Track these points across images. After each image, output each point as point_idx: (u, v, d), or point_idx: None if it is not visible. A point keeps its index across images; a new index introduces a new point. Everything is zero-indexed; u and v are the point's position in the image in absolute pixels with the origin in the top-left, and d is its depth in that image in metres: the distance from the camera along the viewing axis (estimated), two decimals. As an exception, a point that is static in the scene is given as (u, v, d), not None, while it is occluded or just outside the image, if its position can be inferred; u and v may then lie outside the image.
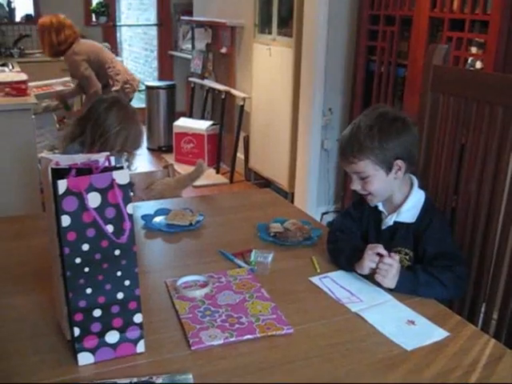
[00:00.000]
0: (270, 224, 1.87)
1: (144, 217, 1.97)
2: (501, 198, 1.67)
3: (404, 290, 1.51)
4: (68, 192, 1.07)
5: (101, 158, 1.17)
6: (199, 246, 1.83)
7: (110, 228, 1.11)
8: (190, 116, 6.08)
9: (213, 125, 5.52)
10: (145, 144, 6.35)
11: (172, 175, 2.53)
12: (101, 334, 1.16)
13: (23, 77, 3.69)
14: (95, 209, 1.09)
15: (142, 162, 5.83)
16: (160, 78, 7.33)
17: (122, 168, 1.12)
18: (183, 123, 5.66)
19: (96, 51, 4.37)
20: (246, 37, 4.96)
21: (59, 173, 1.11)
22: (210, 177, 5.24)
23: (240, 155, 5.25)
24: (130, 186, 1.13)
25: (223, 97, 5.29)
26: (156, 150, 6.22)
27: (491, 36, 2.75)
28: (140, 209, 2.05)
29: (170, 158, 5.72)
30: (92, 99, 4.09)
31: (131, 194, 2.25)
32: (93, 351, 1.17)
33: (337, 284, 1.57)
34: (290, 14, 4.23)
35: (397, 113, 1.67)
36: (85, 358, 1.16)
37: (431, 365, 1.21)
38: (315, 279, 1.59)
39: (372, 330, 1.34)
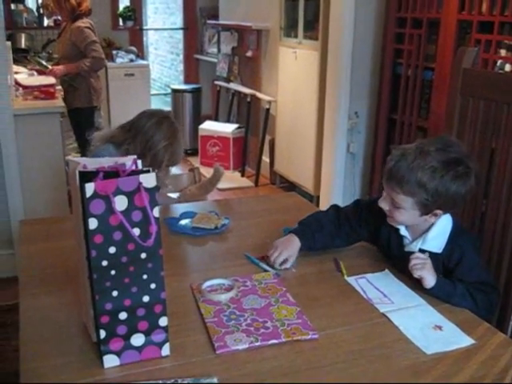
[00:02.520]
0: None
1: (170, 220, 1.98)
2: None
3: (441, 292, 1.49)
4: (95, 195, 1.07)
5: (128, 161, 1.18)
6: (224, 249, 1.83)
7: (136, 231, 1.12)
8: (216, 119, 6.09)
9: (238, 128, 5.52)
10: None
11: (198, 179, 2.54)
12: (126, 337, 1.17)
13: (51, 80, 3.74)
14: (122, 212, 1.10)
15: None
16: (186, 82, 7.37)
17: (148, 171, 1.12)
18: (209, 126, 5.67)
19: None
20: (272, 40, 4.96)
21: (86, 176, 1.11)
22: (235, 180, 5.25)
23: (265, 158, 5.24)
24: (156, 189, 1.14)
25: (249, 100, 5.29)
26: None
27: (521, 38, 2.71)
28: (166, 212, 2.05)
29: (195, 161, 5.74)
30: (95, 65, 4.06)
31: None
32: (118, 354, 1.17)
33: (371, 285, 1.57)
34: (315, 17, 4.21)
35: (469, 163, 1.49)
36: (110, 361, 1.17)
37: (459, 373, 1.19)
38: (351, 279, 1.59)
39: (399, 336, 1.32)
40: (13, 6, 6.33)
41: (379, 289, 1.55)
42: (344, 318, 1.40)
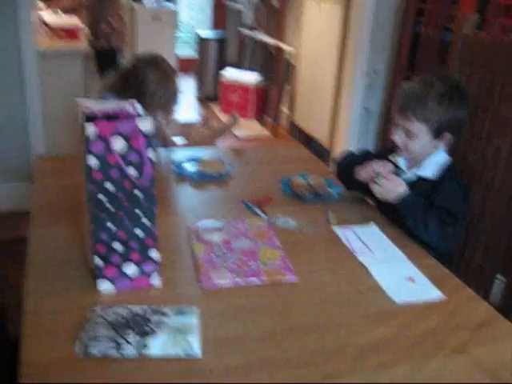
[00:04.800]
0: (292, 178, 1.95)
1: (176, 163, 2.08)
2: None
3: (400, 209, 1.67)
4: (96, 135, 1.18)
5: (129, 106, 1.27)
6: (224, 194, 1.93)
7: (132, 170, 1.22)
8: (239, 67, 6.12)
9: (260, 77, 5.55)
10: (194, 93, 6.45)
11: (208, 126, 2.62)
12: (120, 266, 1.29)
13: (76, 21, 3.81)
14: (119, 152, 1.20)
15: (189, 110, 5.94)
16: (213, 27, 7.36)
17: (146, 116, 1.22)
18: (231, 74, 5.71)
19: None
20: (299, -9, 4.93)
21: (91, 118, 1.21)
22: (253, 129, 5.32)
23: (285, 109, 5.29)
24: (153, 133, 1.23)
25: (272, 50, 5.30)
26: (204, 99, 6.31)
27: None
28: (173, 155, 2.16)
29: (215, 108, 5.82)
30: (75, 5, 4.20)
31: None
32: (112, 280, 1.29)
33: (357, 236, 1.67)
34: (343, -31, 4.17)
35: (465, 88, 1.72)
36: (104, 286, 1.29)
37: (420, 322, 1.28)
38: (338, 229, 1.69)
39: (373, 285, 1.42)
40: None
41: (363, 240, 1.64)
42: (325, 264, 1.51)
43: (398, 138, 1.74)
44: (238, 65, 6.23)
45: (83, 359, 1.08)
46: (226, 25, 7.20)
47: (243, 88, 5.54)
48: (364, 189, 1.80)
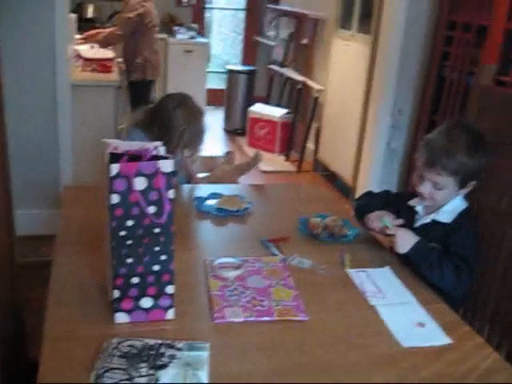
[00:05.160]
0: (310, 218, 1.99)
1: (197, 199, 2.15)
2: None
3: (414, 257, 1.72)
4: (119, 175, 1.24)
5: (151, 147, 1.34)
6: (242, 231, 1.98)
7: (152, 209, 1.28)
8: (267, 102, 6.22)
9: (287, 113, 5.64)
10: (221, 125, 6.57)
11: (231, 162, 2.69)
12: (137, 299, 1.34)
13: (110, 54, 3.95)
14: (140, 191, 1.26)
15: (217, 142, 6.04)
16: (243, 62, 7.51)
17: (167, 158, 1.29)
18: (259, 109, 5.81)
19: (154, 20, 4.45)
20: (327, 30, 5.03)
21: (115, 157, 1.28)
22: (278, 164, 5.38)
23: (310, 146, 5.35)
24: (173, 174, 1.30)
25: (300, 87, 5.39)
26: (231, 132, 6.42)
27: None
28: (195, 191, 2.22)
29: (243, 142, 5.91)
30: (109, 39, 4.27)
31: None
32: (128, 312, 1.35)
33: (370, 279, 1.69)
34: (370, 10, 4.26)
35: (484, 136, 1.76)
36: (121, 318, 1.35)
37: (426, 367, 1.30)
38: (352, 271, 1.72)
39: (381, 329, 1.44)
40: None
41: (376, 283, 1.67)
42: (336, 305, 1.54)
43: (424, 189, 1.77)
44: (266, 99, 6.33)
45: (96, 389, 1.13)
46: (256, 60, 7.35)
47: (270, 123, 5.63)
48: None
